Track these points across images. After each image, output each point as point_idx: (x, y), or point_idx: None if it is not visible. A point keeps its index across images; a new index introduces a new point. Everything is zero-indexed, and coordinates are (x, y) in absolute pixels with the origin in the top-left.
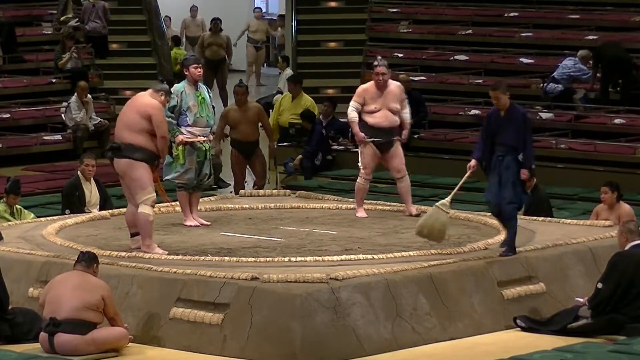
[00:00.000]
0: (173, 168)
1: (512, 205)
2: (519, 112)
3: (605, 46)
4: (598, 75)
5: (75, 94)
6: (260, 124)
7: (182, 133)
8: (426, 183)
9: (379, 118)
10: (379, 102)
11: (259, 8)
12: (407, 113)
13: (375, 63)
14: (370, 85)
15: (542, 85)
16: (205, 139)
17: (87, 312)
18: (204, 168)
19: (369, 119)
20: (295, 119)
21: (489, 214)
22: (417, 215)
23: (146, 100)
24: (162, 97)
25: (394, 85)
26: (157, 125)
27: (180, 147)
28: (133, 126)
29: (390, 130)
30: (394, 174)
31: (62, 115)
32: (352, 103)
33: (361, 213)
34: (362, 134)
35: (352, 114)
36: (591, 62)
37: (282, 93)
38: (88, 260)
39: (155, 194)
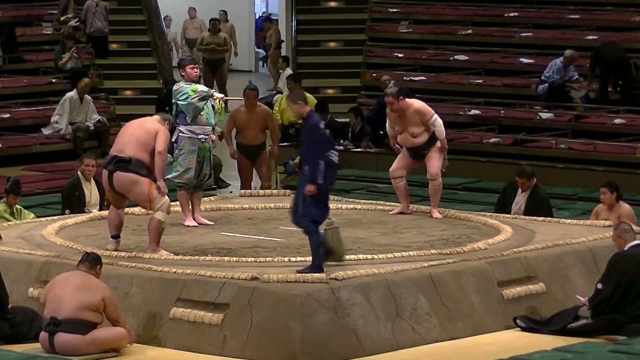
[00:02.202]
0: (173, 167)
1: (305, 218)
2: (310, 122)
3: (604, 47)
4: (596, 72)
5: (75, 90)
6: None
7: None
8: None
9: (402, 139)
10: (401, 125)
11: (223, 11)
12: (437, 131)
13: (385, 91)
14: None
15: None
16: (206, 137)
17: (87, 312)
18: (204, 168)
19: (398, 139)
20: (296, 117)
21: (489, 213)
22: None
23: (155, 123)
24: (168, 126)
25: (410, 111)
26: (160, 140)
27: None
28: (145, 145)
29: (414, 148)
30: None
31: (52, 117)
32: (387, 122)
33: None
34: (397, 146)
35: (387, 129)
36: (574, 63)
37: (282, 93)
38: (92, 262)
39: (167, 199)
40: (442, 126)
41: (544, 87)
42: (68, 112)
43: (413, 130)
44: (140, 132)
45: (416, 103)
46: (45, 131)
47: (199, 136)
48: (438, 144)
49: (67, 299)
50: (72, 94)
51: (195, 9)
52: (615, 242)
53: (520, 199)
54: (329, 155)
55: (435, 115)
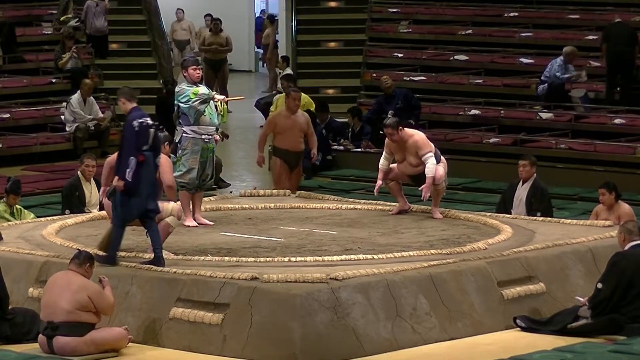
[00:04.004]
0: (176, 168)
1: (114, 212)
2: (127, 118)
3: (612, 28)
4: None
5: (79, 91)
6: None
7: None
8: None
9: (402, 167)
10: (400, 155)
11: (209, 15)
12: (427, 168)
13: (384, 122)
14: None
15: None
16: (210, 137)
17: (80, 313)
18: (206, 168)
19: (398, 166)
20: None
21: (489, 213)
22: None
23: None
24: (167, 148)
25: (410, 142)
26: (163, 172)
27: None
28: None
29: (415, 176)
30: None
31: (62, 116)
32: (383, 153)
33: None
34: (379, 183)
35: (380, 161)
36: (574, 60)
37: (282, 93)
38: (81, 259)
39: (174, 203)
40: (434, 165)
41: (543, 88)
42: (78, 109)
43: (412, 161)
44: None
45: (416, 135)
46: (68, 127)
47: (202, 136)
48: (442, 162)
49: (58, 303)
50: (77, 96)
51: (183, 10)
52: (618, 237)
53: (521, 192)
54: (147, 155)
55: (431, 153)
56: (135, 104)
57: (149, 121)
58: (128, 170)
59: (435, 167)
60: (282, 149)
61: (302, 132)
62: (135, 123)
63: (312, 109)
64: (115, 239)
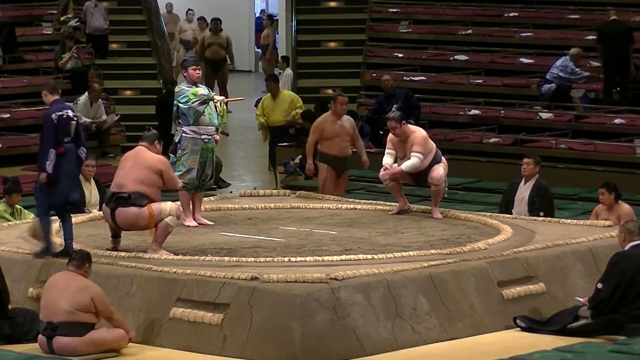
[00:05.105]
0: (176, 168)
1: (38, 203)
2: (47, 111)
3: (606, 27)
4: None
5: (87, 94)
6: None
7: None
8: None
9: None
10: (402, 151)
11: (202, 18)
12: (411, 161)
13: (387, 116)
14: None
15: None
16: (209, 137)
17: (80, 314)
18: (206, 168)
19: (399, 164)
20: (284, 116)
21: (489, 213)
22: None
23: (153, 156)
24: (159, 146)
25: (411, 138)
26: (169, 180)
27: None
28: (146, 180)
29: (415, 175)
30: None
31: None
32: (386, 149)
33: (397, 209)
34: (383, 177)
35: (384, 159)
36: (581, 60)
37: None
38: (80, 260)
39: (173, 203)
40: (415, 166)
41: (549, 87)
42: (83, 111)
43: None
44: (139, 167)
45: (418, 132)
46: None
47: (202, 136)
48: (442, 162)
49: (58, 304)
50: (84, 99)
51: (193, 11)
52: (618, 237)
53: (523, 191)
54: (68, 147)
55: (420, 154)
56: (57, 97)
57: (70, 113)
58: (48, 162)
59: (413, 166)
60: (329, 155)
61: (349, 137)
62: (54, 116)
63: (300, 105)
64: (44, 227)
